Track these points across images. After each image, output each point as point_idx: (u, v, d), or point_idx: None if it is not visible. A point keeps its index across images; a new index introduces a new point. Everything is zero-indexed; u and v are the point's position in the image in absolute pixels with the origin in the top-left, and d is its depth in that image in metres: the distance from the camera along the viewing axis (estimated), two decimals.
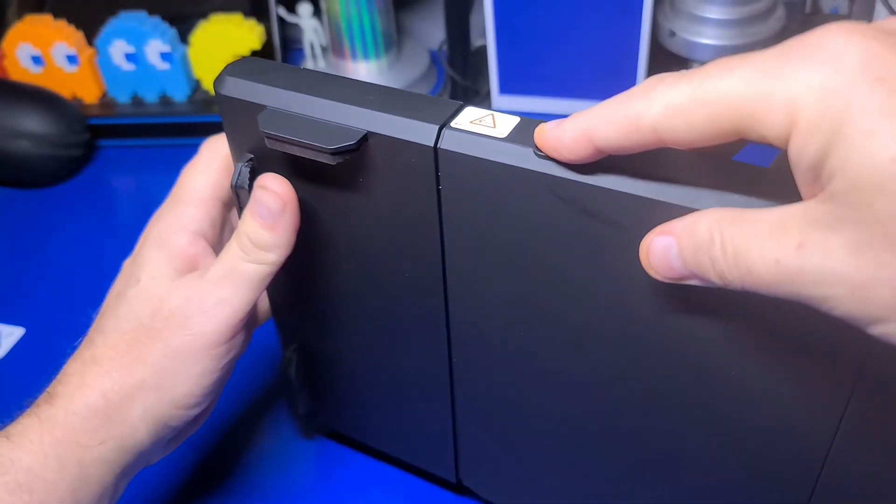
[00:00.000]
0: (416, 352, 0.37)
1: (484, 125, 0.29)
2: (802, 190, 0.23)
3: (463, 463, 0.41)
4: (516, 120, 0.29)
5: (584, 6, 0.62)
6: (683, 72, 0.24)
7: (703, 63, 0.64)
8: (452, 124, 0.29)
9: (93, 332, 0.36)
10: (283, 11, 0.72)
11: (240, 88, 0.33)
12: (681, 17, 0.64)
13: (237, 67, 0.34)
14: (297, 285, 0.39)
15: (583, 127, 0.26)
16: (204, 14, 0.71)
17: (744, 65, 0.22)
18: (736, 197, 0.25)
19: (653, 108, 0.24)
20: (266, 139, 0.31)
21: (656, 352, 0.30)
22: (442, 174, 0.30)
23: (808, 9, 0.66)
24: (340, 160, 0.30)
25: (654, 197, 0.26)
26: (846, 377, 0.27)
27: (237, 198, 0.35)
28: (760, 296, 0.23)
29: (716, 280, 0.24)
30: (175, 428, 0.35)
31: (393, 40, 0.72)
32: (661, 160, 0.26)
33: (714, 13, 0.62)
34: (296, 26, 0.73)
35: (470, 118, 0.29)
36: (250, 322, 0.37)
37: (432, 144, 0.29)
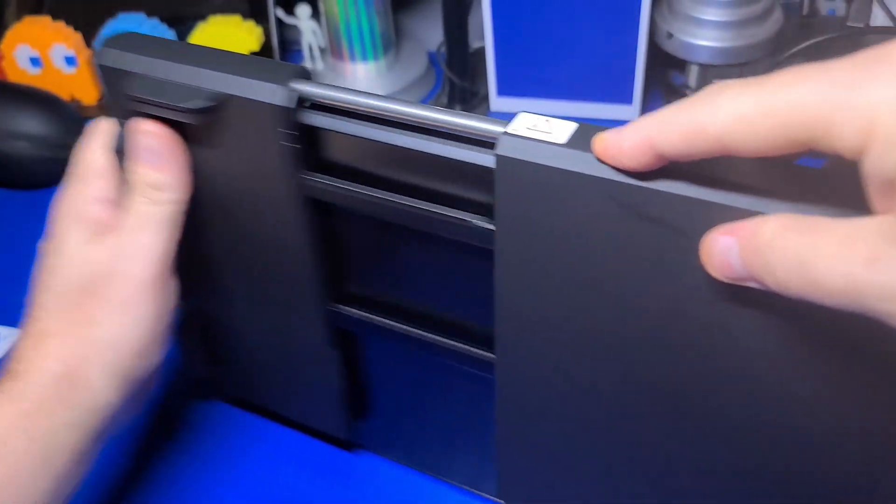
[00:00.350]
0: (293, 310, 0.39)
1: (541, 131, 0.29)
2: (875, 202, 0.22)
3: (503, 478, 0.40)
4: (574, 126, 0.29)
5: (582, 8, 0.62)
6: (750, 80, 0.23)
7: (701, 64, 0.64)
8: (509, 130, 0.29)
9: (34, 310, 0.37)
10: (281, 13, 0.72)
11: (116, 58, 0.35)
12: (678, 19, 0.64)
13: (117, 40, 0.36)
14: (182, 245, 0.40)
15: (643, 134, 0.25)
16: (202, 16, 0.71)
17: (817, 75, 0.22)
18: (802, 204, 0.25)
19: (719, 117, 0.23)
20: (135, 102, 0.34)
21: (715, 359, 0.29)
22: (498, 179, 0.30)
23: (805, 10, 0.66)
24: (199, 119, 0.33)
25: (719, 201, 0.26)
26: None
27: (120, 162, 0.37)
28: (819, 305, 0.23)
29: (775, 287, 0.24)
30: (137, 380, 0.37)
31: (391, 42, 0.72)
32: (724, 163, 0.26)
33: (711, 15, 0.62)
34: (294, 28, 0.73)
35: (526, 124, 0.29)
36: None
37: (278, 103, 0.32)
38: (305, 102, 0.33)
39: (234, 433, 0.47)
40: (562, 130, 0.29)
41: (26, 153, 0.65)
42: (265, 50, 0.71)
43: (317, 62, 0.74)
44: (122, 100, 0.35)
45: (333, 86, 0.33)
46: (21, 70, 0.70)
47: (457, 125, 0.31)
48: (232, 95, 0.33)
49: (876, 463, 0.29)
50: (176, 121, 0.34)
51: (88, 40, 0.70)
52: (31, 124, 0.65)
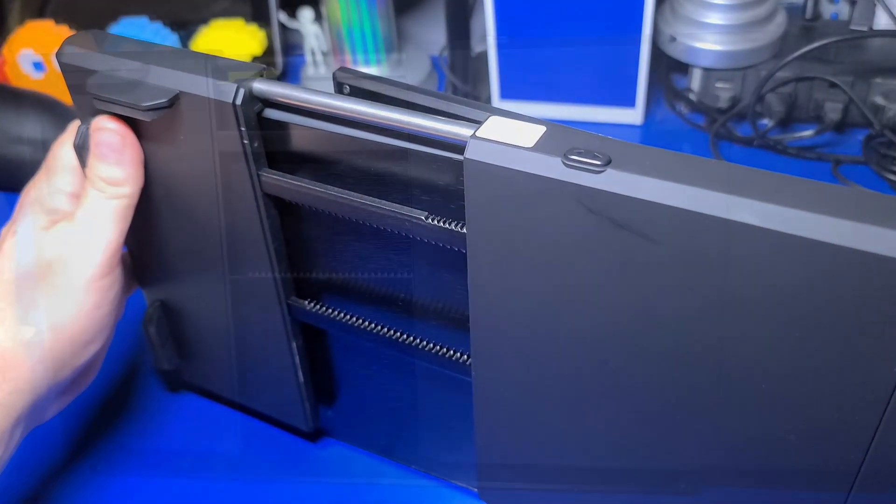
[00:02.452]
0: (253, 304, 0.39)
1: (510, 134, 0.29)
2: None
3: (482, 474, 0.40)
4: (543, 129, 0.29)
5: (584, 11, 0.62)
6: None
7: (704, 68, 0.64)
8: (478, 134, 0.29)
9: None
10: (284, 17, 0.72)
11: (77, 56, 0.36)
12: (681, 23, 0.64)
13: (78, 38, 0.36)
14: (147, 241, 0.41)
15: None
16: (205, 20, 0.71)
17: None
18: (774, 207, 0.24)
19: None
20: (94, 100, 0.35)
21: (686, 362, 0.29)
22: (467, 182, 0.29)
23: (808, 14, 0.65)
24: (155, 116, 0.33)
25: (686, 207, 0.25)
26: (888, 375, 0.26)
27: (79, 157, 0.37)
28: (799, 295, 0.22)
29: None
30: (72, 369, 0.37)
31: (394, 45, 0.72)
32: (692, 169, 0.26)
33: (715, 18, 0.62)
34: (297, 32, 0.73)
35: (496, 127, 0.29)
36: (125, 259, 0.40)
37: (234, 101, 0.32)
38: (262, 101, 0.34)
39: (202, 425, 0.47)
40: (531, 134, 0.28)
41: (29, 157, 0.65)
42: (268, 54, 0.71)
43: (319, 66, 0.74)
44: (83, 97, 0.36)
45: (289, 84, 0.33)
46: (24, 74, 0.70)
47: (427, 128, 0.30)
48: (187, 93, 0.33)
49: (861, 447, 0.29)
50: (136, 118, 0.34)
51: None
52: (33, 128, 0.65)
